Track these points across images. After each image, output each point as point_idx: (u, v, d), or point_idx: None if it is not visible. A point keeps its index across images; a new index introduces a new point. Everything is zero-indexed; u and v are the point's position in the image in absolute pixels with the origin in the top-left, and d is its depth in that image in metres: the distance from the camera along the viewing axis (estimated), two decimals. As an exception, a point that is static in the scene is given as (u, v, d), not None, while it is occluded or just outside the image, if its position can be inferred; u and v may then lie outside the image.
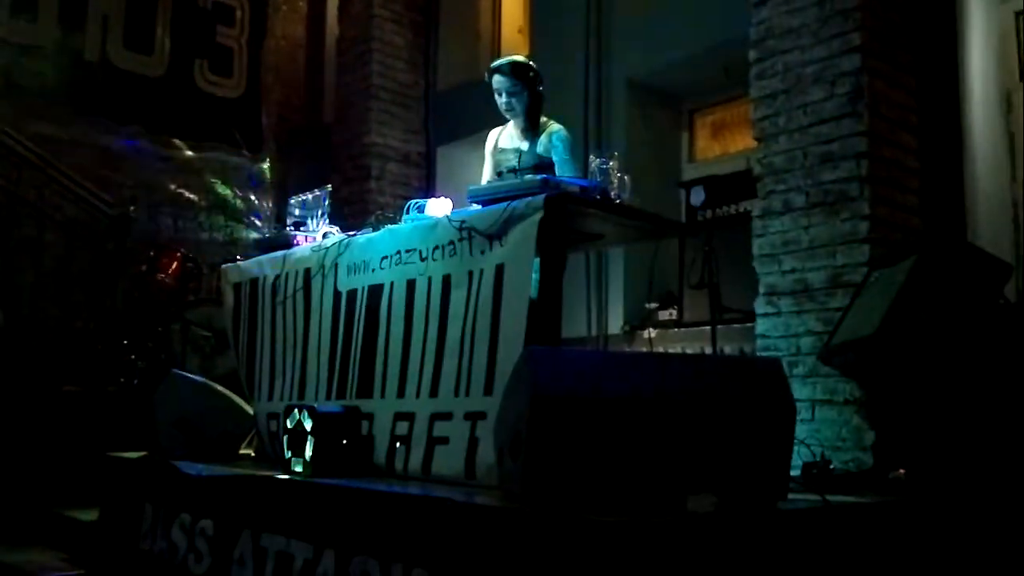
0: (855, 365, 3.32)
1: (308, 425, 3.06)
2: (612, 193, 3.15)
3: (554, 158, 3.77)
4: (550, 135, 3.84)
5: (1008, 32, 4.71)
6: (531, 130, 3.88)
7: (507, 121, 4.00)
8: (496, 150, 4.00)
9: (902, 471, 3.13)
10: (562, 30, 6.57)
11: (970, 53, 4.51)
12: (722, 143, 6.34)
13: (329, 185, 8.25)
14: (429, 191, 7.43)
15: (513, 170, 3.76)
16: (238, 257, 4.74)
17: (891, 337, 2.81)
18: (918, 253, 3.05)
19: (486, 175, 4.05)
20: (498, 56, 7.82)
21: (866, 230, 3.95)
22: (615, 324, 5.91)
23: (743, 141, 5.85)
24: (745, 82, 4.57)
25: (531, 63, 3.90)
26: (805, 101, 4.23)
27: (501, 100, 3.86)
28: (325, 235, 3.87)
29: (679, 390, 2.30)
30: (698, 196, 5.41)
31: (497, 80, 3.84)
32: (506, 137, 3.98)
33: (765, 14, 4.45)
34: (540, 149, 3.82)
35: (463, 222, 3.07)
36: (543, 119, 3.92)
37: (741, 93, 4.98)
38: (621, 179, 3.19)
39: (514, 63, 3.88)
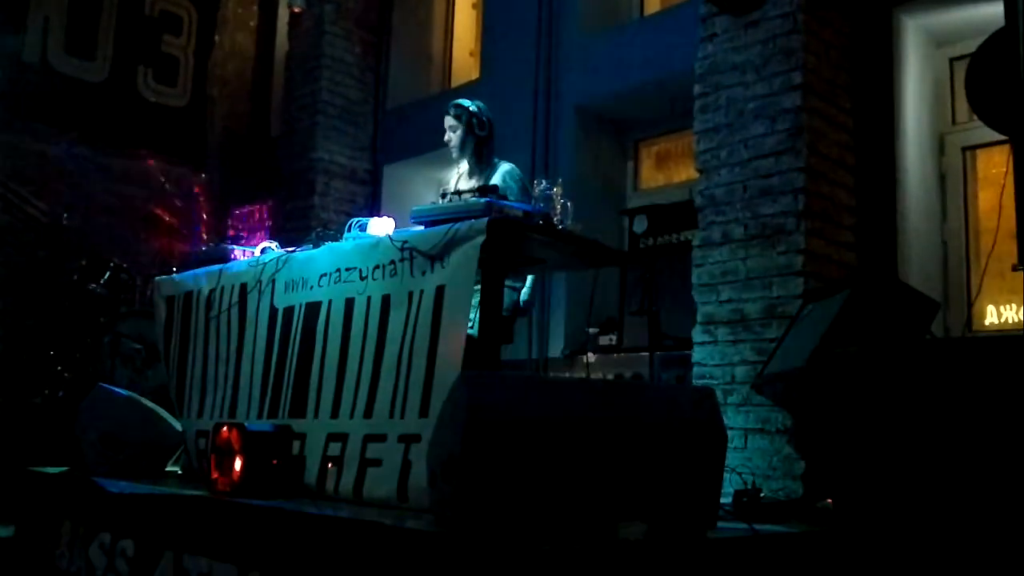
0: (786, 395, 3.37)
1: (237, 443, 2.99)
2: (555, 219, 3.17)
3: (509, 197, 3.82)
4: (503, 174, 3.95)
5: (943, 77, 4.88)
6: (479, 169, 4.01)
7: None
8: (455, 189, 4.04)
9: (830, 500, 3.18)
10: (512, 56, 6.62)
11: (906, 96, 4.66)
12: (666, 173, 6.44)
13: (272, 200, 8.18)
14: (375, 209, 7.39)
15: (457, 192, 3.76)
16: (174, 269, 4.64)
17: (820, 369, 2.86)
18: (850, 288, 3.12)
19: None
20: (449, 78, 7.88)
21: (801, 263, 4.03)
22: (556, 348, 5.93)
23: (686, 172, 5.95)
24: (690, 114, 4.66)
25: (472, 106, 4.06)
26: (746, 136, 4.32)
27: (446, 136, 4.07)
28: (264, 250, 3.80)
29: (613, 417, 2.31)
30: (641, 224, 5.47)
31: (445, 118, 4.07)
32: (464, 179, 4.06)
33: (710, 49, 4.55)
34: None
35: (405, 242, 3.05)
36: (495, 160, 4.06)
37: (686, 125, 5.07)
38: (564, 206, 3.20)
39: (460, 103, 4.10)
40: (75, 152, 7.32)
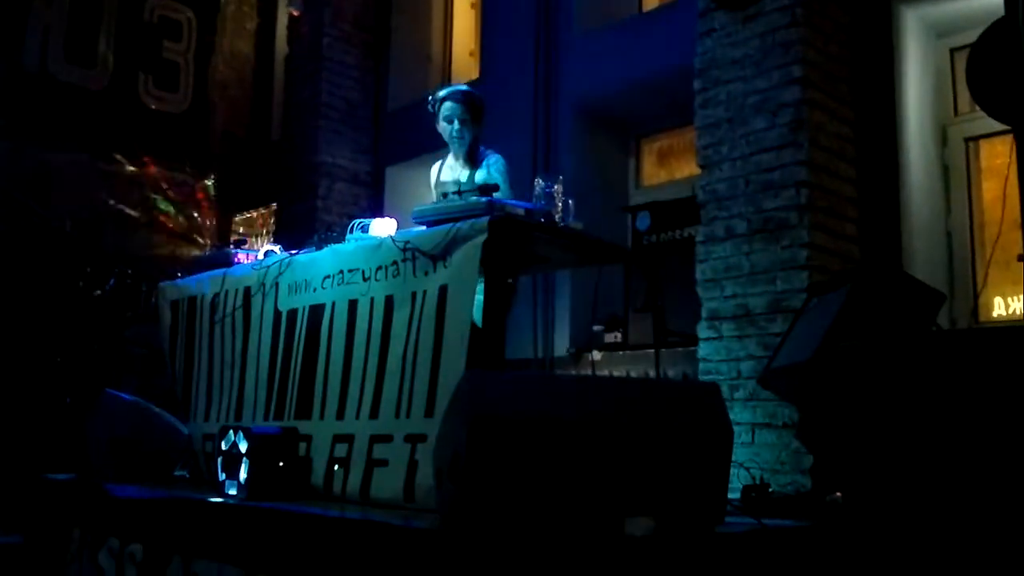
0: (793, 390, 3.36)
1: (244, 447, 2.99)
2: (556, 217, 3.16)
3: None
4: (488, 166, 3.85)
5: (944, 67, 4.87)
6: (470, 160, 3.90)
7: (446, 151, 4.00)
8: (438, 183, 4.00)
9: (839, 494, 3.17)
10: (512, 54, 6.62)
11: (907, 87, 4.64)
12: (668, 169, 6.43)
13: (275, 203, 8.19)
14: (377, 211, 7.39)
15: (458, 192, 3.76)
16: (179, 274, 4.64)
17: (826, 362, 2.85)
18: (855, 281, 3.11)
19: None
20: (449, 78, 7.87)
21: (805, 257, 4.03)
22: (561, 346, 5.92)
23: (688, 168, 5.94)
24: (691, 110, 4.65)
25: (478, 98, 3.92)
26: (747, 130, 4.31)
27: (451, 127, 3.86)
28: (267, 254, 3.80)
29: (618, 413, 2.30)
30: (644, 221, 5.46)
31: (451, 107, 3.85)
32: (447, 170, 3.99)
33: (709, 44, 4.54)
34: (479, 179, 3.82)
35: (407, 243, 3.05)
36: (481, 148, 3.96)
37: (687, 121, 5.06)
38: (565, 203, 3.20)
39: (470, 92, 3.91)
40: (77, 159, 7.33)
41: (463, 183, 3.83)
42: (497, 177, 3.79)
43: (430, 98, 3.94)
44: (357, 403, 3.09)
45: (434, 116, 3.91)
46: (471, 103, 3.86)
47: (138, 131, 7.88)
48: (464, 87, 4.01)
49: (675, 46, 5.19)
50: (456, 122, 3.85)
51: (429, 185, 4.10)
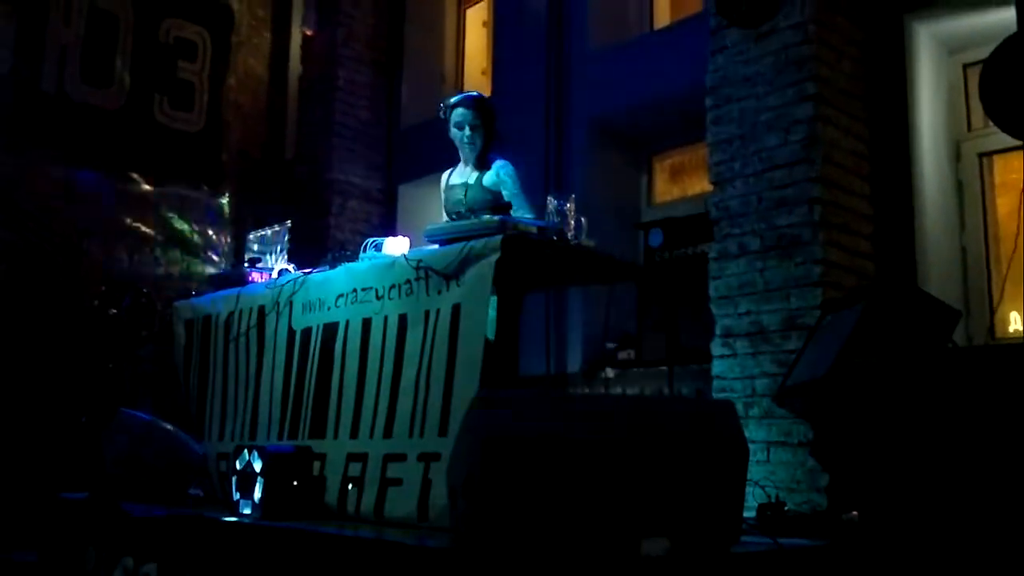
0: (808, 407, 3.34)
1: (258, 466, 2.99)
2: (569, 234, 3.15)
3: (504, 193, 3.69)
4: (497, 169, 3.75)
5: (957, 83, 4.85)
6: (479, 166, 3.82)
7: (458, 159, 3.99)
8: (447, 187, 3.97)
9: (855, 513, 3.15)
10: (524, 73, 6.65)
11: (920, 103, 4.63)
12: (680, 186, 6.43)
13: (289, 221, 8.22)
14: (390, 228, 7.42)
15: (471, 209, 3.76)
16: (193, 293, 4.67)
17: (841, 380, 2.83)
18: (869, 298, 3.10)
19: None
20: (461, 97, 7.89)
21: (819, 274, 4.01)
22: (574, 364, 5.91)
23: (701, 184, 5.94)
24: (703, 126, 4.65)
25: (491, 107, 3.88)
26: (760, 147, 4.30)
27: (463, 133, 3.77)
28: (281, 272, 3.82)
29: (632, 432, 2.29)
30: (656, 238, 5.46)
31: (462, 113, 3.77)
32: (456, 175, 3.95)
33: (721, 62, 4.54)
34: (487, 182, 3.73)
35: (420, 261, 3.06)
36: (490, 156, 3.90)
37: (699, 137, 5.06)
38: (578, 220, 3.19)
39: (481, 98, 3.85)
40: (93, 179, 7.40)
41: (471, 184, 3.77)
42: (507, 180, 3.69)
43: (442, 104, 3.90)
44: (371, 422, 3.09)
45: (446, 123, 3.88)
46: (482, 109, 3.79)
47: (154, 150, 7.94)
48: (475, 93, 3.95)
49: (687, 64, 5.19)
50: (467, 128, 3.76)
51: (440, 199, 4.10)
